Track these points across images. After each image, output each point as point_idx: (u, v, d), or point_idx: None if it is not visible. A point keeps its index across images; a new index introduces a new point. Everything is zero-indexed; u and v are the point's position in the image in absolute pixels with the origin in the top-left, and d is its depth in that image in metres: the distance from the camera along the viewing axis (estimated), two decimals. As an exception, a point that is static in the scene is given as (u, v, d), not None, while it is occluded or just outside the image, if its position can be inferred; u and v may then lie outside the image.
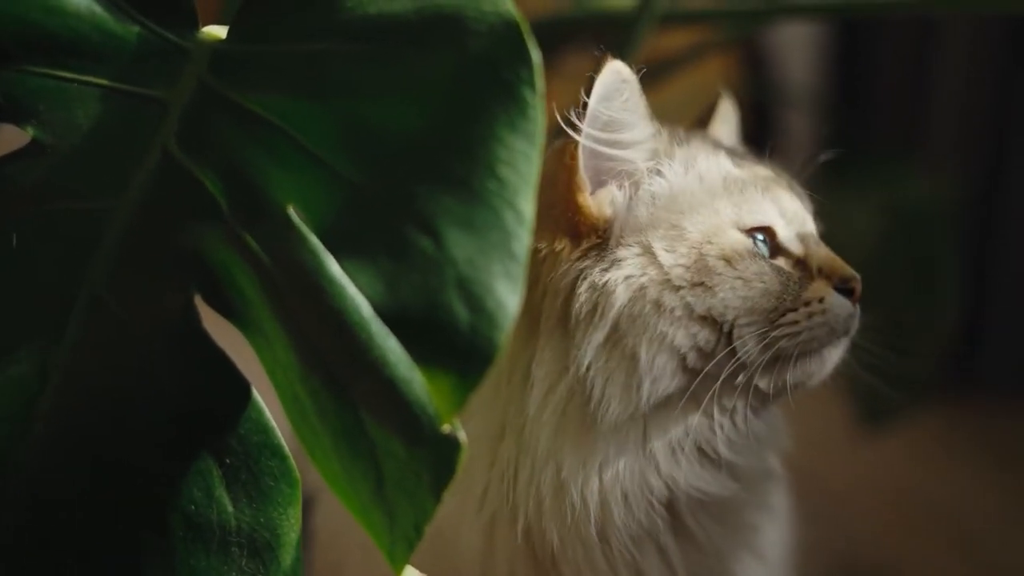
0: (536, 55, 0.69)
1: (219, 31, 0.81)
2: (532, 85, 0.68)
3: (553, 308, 0.90)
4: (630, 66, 0.90)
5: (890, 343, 0.98)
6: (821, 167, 1.04)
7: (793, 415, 1.03)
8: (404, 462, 0.67)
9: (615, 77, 0.89)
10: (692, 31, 1.72)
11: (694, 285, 0.89)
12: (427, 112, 0.70)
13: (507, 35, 0.69)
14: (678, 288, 0.89)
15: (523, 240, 0.66)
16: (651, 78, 0.92)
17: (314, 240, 0.69)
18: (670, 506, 0.93)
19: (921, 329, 1.57)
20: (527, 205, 0.66)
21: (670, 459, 0.92)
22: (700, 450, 0.93)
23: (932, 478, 1.89)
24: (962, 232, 1.93)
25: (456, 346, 0.65)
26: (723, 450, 0.94)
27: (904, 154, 2.08)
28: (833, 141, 1.07)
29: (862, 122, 2.27)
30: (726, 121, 1.09)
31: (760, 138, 1.05)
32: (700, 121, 1.09)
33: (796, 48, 2.36)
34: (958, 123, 2.15)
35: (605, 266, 0.90)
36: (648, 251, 0.90)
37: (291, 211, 0.70)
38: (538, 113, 0.67)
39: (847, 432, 1.66)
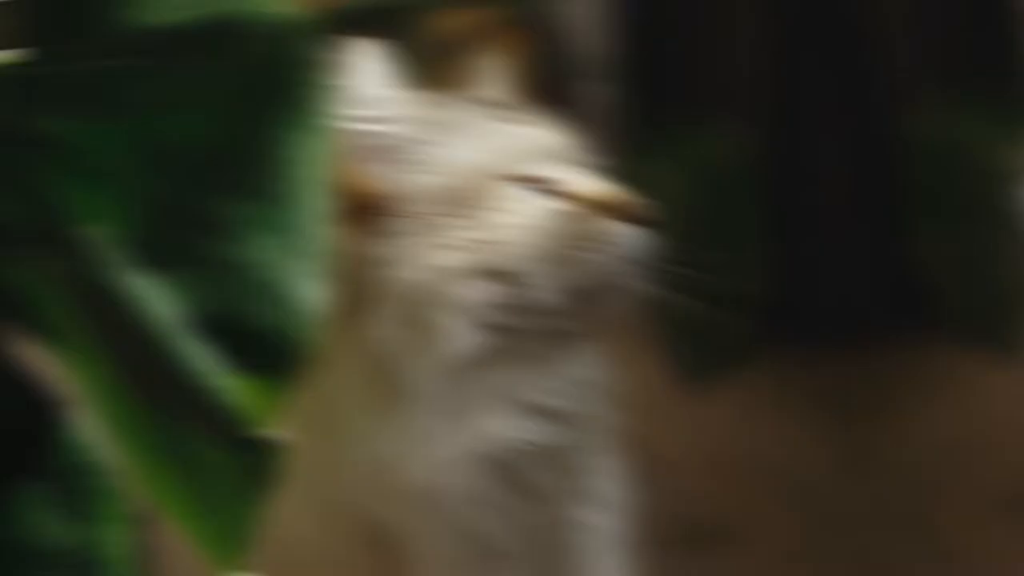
0: (319, 52, 0.69)
1: (7, 56, 0.80)
2: (314, 84, 0.68)
3: (346, 292, 0.91)
4: (399, 45, 0.91)
5: (708, 300, 1.00)
6: (625, 136, 1.06)
7: (618, 383, 1.04)
8: (225, 470, 0.67)
9: (364, 57, 0.90)
10: (479, 10, 1.73)
11: (475, 243, 0.90)
12: (213, 122, 0.70)
13: (286, 36, 0.70)
14: (459, 249, 0.90)
15: (321, 237, 0.67)
16: (439, 61, 0.93)
17: (115, 258, 0.69)
18: (501, 462, 0.95)
19: (738, 284, 1.61)
20: (322, 202, 0.67)
21: (490, 416, 0.93)
22: (519, 402, 0.94)
23: (764, 435, 1.93)
24: (772, 187, 1.97)
25: (264, 350, 0.66)
26: (542, 398, 0.95)
27: (705, 117, 2.12)
28: (633, 108, 1.09)
29: (661, 88, 2.31)
30: (495, 80, 1.11)
31: (559, 110, 1.06)
32: (466, 84, 1.10)
33: (589, 18, 2.38)
34: (752, 84, 2.20)
35: (386, 241, 0.90)
36: (424, 218, 0.91)
37: (90, 231, 0.70)
38: (323, 110, 0.68)
39: (673, 396, 1.69)
